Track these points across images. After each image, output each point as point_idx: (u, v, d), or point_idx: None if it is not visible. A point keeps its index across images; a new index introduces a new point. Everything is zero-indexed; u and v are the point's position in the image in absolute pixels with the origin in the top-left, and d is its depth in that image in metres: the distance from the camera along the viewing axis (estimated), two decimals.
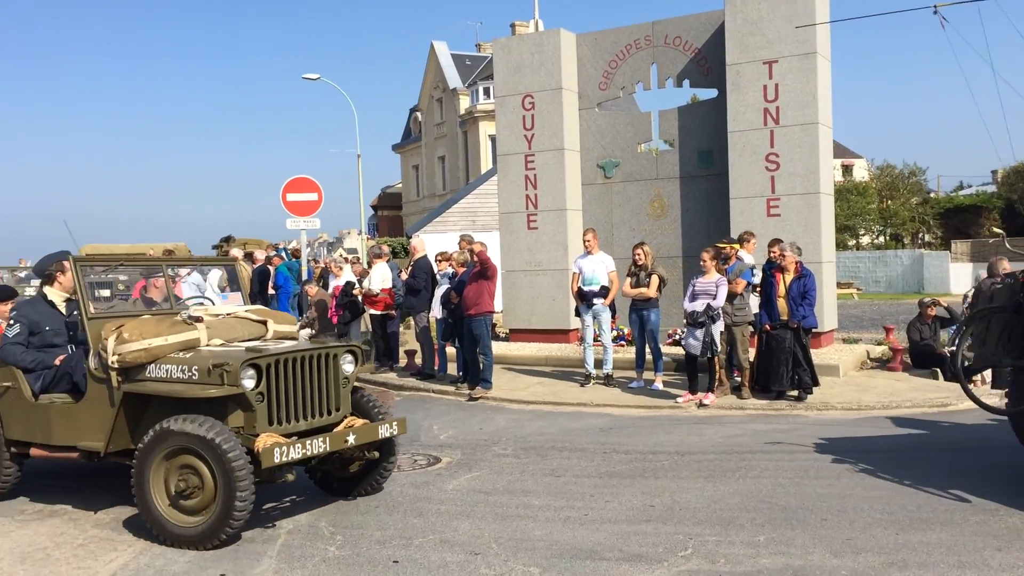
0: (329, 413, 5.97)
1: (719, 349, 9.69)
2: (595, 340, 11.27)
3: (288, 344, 6.09)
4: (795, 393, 9.72)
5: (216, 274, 15.68)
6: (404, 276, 12.77)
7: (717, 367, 9.92)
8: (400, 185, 58.36)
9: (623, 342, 12.83)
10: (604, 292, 11.00)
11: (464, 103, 46.96)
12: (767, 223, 12.14)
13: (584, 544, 5.26)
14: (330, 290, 13.94)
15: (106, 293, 9.78)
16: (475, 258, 10.44)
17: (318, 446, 5.60)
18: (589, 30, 14.31)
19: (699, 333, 9.49)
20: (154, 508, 5.40)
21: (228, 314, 6.42)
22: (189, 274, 12.31)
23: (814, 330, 10.27)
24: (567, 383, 11.38)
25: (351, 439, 5.83)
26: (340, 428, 5.95)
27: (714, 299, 9.48)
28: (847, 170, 51.08)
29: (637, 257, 10.70)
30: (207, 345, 5.91)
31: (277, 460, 5.30)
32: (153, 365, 5.71)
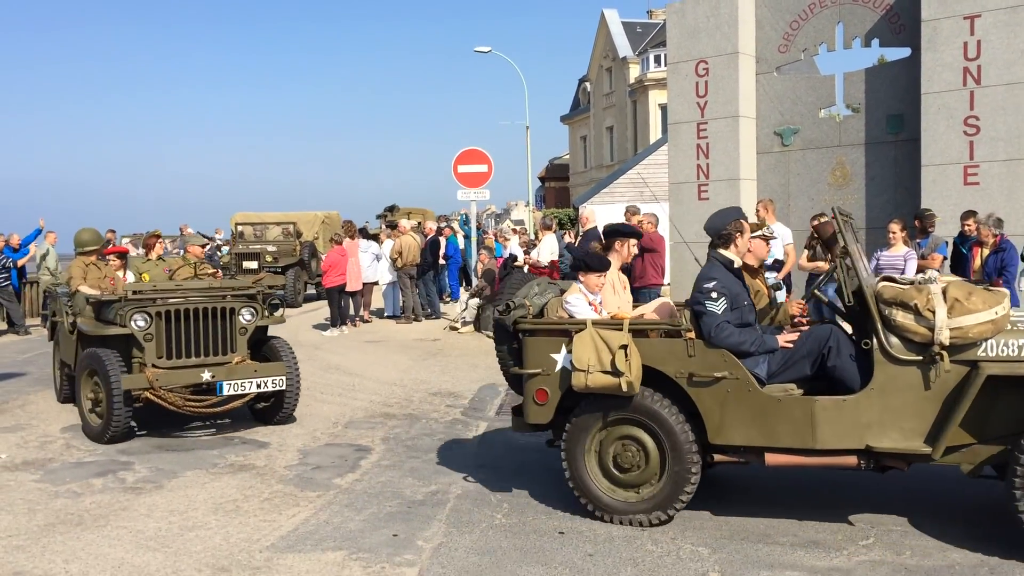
0: None
1: None
2: None
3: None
4: None
5: (389, 244, 16.30)
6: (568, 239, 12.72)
7: None
8: (568, 156, 58.37)
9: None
10: (778, 265, 10.53)
11: (634, 72, 46.18)
12: (963, 192, 11.19)
13: (756, 527, 5.06)
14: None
15: (253, 265, 10.29)
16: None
17: None
18: None
19: None
20: None
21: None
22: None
23: None
24: None
25: None
26: None
27: (902, 274, 8.84)
28: None
29: (816, 229, 10.15)
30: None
31: None
32: (991, 341, 4.65)
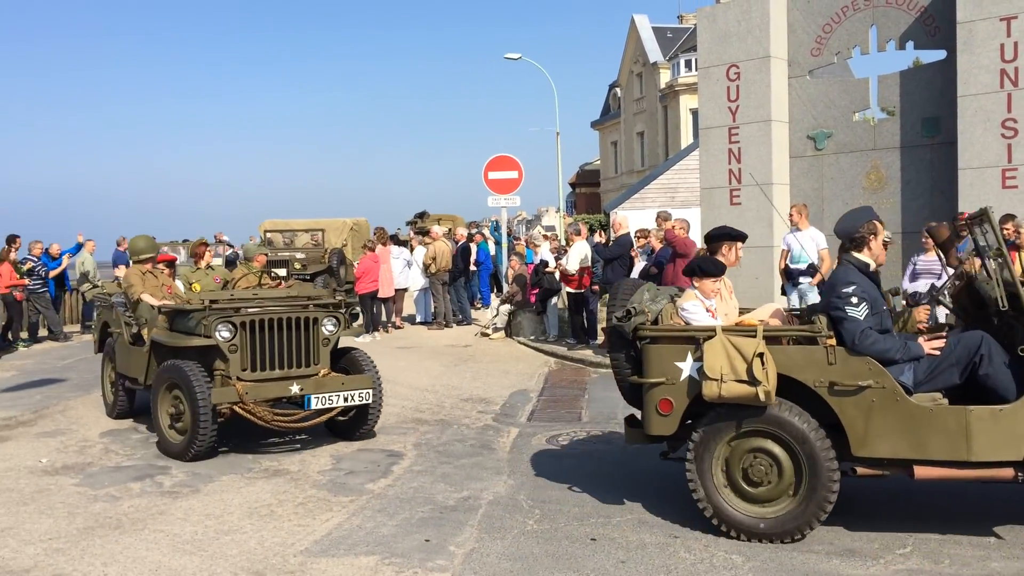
0: None
1: None
2: None
3: None
4: None
5: (420, 251, 16.39)
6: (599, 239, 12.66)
7: None
8: (598, 162, 58.24)
9: None
10: (812, 271, 10.44)
11: (664, 77, 46.00)
12: (1002, 196, 11.01)
13: None
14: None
15: (282, 272, 10.09)
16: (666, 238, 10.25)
17: None
18: None
19: None
20: None
21: None
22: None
23: None
24: None
25: None
26: None
27: (939, 279, 8.72)
28: None
29: None
30: None
31: None
32: None
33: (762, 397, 4.71)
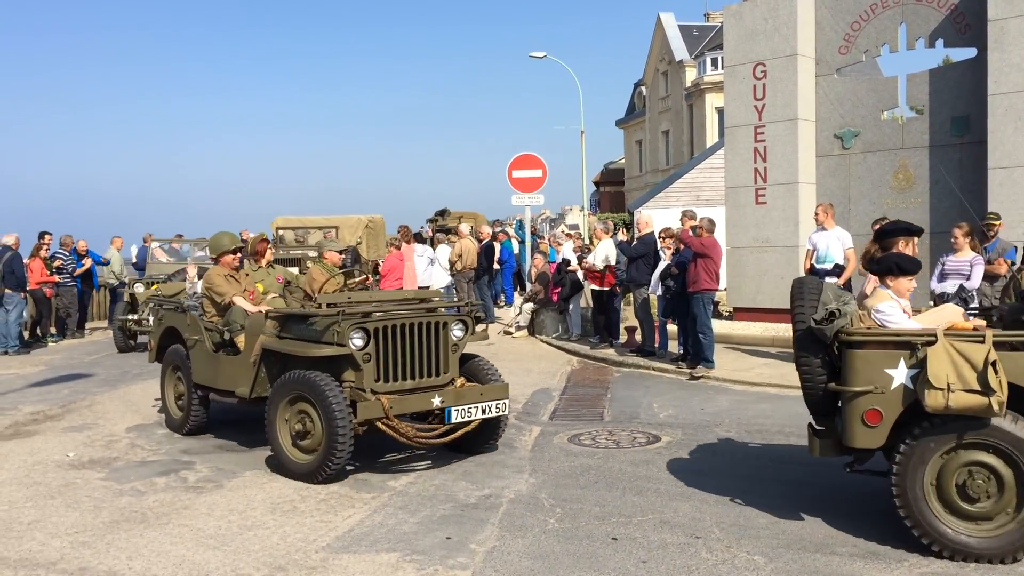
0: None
1: None
2: None
3: None
4: None
5: (445, 250, 16.42)
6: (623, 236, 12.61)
7: None
8: (623, 161, 58.07)
9: None
10: (838, 271, 10.34)
11: (690, 75, 45.78)
12: None
13: (814, 536, 4.97)
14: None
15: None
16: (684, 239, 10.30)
17: None
18: None
19: None
20: None
21: None
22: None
23: None
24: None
25: None
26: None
27: (968, 279, 8.61)
28: None
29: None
30: None
31: None
32: None
33: (996, 408, 4.35)
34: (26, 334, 15.04)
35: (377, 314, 6.54)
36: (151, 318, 8.40)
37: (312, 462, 6.24)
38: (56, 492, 6.14)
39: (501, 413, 6.78)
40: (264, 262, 8.44)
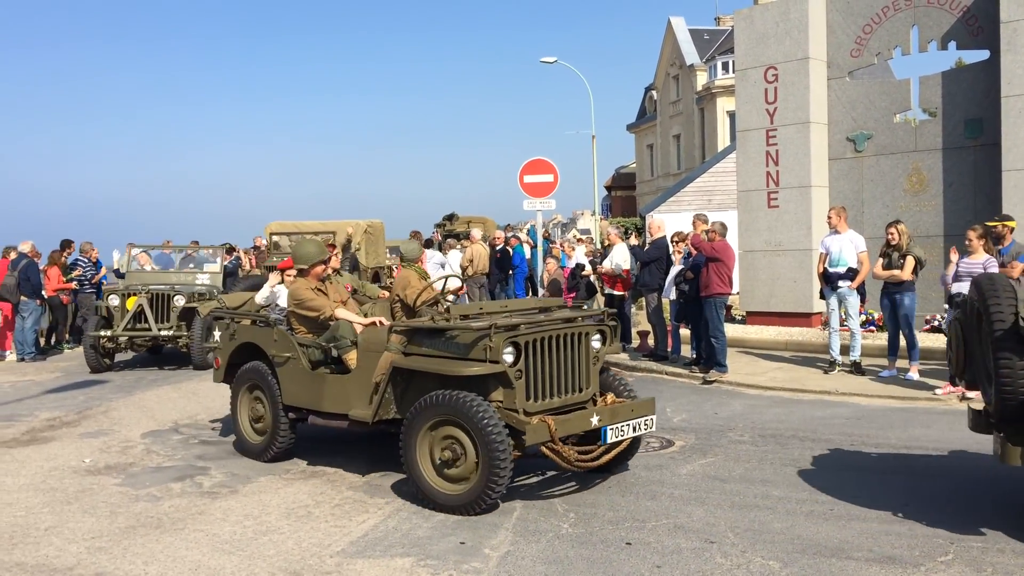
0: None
1: None
2: (841, 325, 10.61)
3: None
4: None
5: (456, 255, 16.45)
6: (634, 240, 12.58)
7: None
8: (634, 165, 58.02)
9: (872, 327, 11.98)
10: (851, 274, 10.31)
11: (701, 79, 45.73)
12: None
13: (829, 541, 4.95)
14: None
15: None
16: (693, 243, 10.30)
17: None
18: None
19: None
20: None
21: None
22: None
23: None
24: (809, 369, 10.79)
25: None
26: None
27: None
28: None
29: (890, 236, 9.92)
30: None
31: None
32: None
33: None
34: (42, 341, 15.14)
35: (523, 326, 5.89)
36: (217, 333, 7.73)
37: (465, 493, 5.63)
38: (73, 498, 6.19)
39: (649, 430, 6.28)
40: (330, 269, 7.66)
